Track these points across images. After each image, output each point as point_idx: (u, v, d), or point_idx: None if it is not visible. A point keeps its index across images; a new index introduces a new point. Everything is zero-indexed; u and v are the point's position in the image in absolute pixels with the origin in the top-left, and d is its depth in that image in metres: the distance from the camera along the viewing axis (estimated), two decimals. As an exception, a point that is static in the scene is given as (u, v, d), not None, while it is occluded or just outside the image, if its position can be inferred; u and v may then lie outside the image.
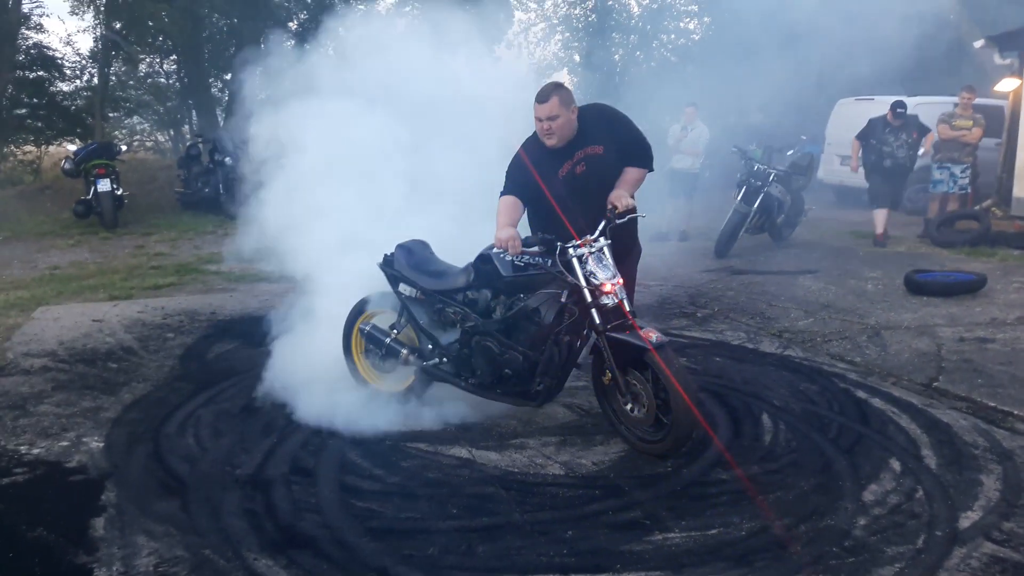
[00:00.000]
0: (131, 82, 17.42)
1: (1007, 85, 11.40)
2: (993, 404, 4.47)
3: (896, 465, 3.73)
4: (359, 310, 4.53)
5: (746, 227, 9.25)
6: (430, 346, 4.22)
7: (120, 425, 4.15)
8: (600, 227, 3.81)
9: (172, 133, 18.83)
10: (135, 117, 18.20)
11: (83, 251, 9.68)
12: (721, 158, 10.51)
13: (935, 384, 4.84)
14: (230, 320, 6.36)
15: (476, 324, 3.98)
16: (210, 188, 12.23)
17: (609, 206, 3.92)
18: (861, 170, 10.02)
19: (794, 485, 3.55)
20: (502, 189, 4.11)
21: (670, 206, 10.45)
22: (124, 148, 14.06)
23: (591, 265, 3.65)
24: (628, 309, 3.74)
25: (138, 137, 18.26)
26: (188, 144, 14.02)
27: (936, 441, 4.01)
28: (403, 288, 4.29)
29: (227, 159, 12.03)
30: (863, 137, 9.79)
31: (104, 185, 10.75)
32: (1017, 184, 9.44)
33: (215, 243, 10.31)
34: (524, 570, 2.86)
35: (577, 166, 4.05)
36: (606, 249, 3.74)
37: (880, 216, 9.77)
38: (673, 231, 10.43)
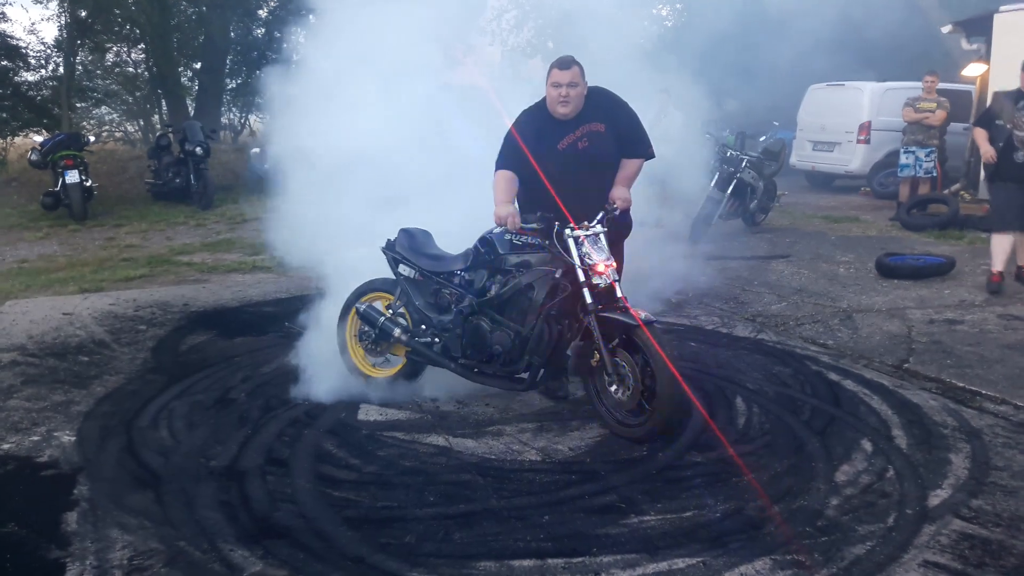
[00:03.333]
0: (98, 71, 17.12)
1: (974, 70, 11.56)
2: (962, 384, 4.55)
3: (868, 446, 3.79)
4: (360, 292, 4.58)
5: (720, 213, 9.29)
6: (424, 327, 4.26)
7: (92, 419, 4.10)
8: (598, 217, 3.94)
9: (141, 123, 18.55)
10: (103, 107, 17.91)
11: (52, 244, 9.52)
12: (694, 144, 10.54)
13: (905, 366, 4.91)
14: (203, 312, 6.29)
15: (471, 303, 4.02)
16: (181, 179, 12.07)
17: (611, 202, 4.06)
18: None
19: (768, 467, 3.59)
20: (497, 161, 4.12)
21: (643, 193, 10.46)
22: (92, 139, 13.83)
23: (587, 247, 3.75)
24: (619, 292, 3.80)
25: (106, 128, 17.96)
26: (158, 134, 13.81)
27: (906, 421, 4.08)
28: (403, 269, 4.36)
29: (198, 149, 11.87)
30: (985, 123, 6.80)
31: (72, 176, 10.57)
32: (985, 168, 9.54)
33: (187, 234, 10.19)
34: (501, 555, 2.87)
35: (580, 140, 4.12)
36: (602, 235, 3.82)
37: (1002, 245, 6.52)
38: (648, 217, 10.44)
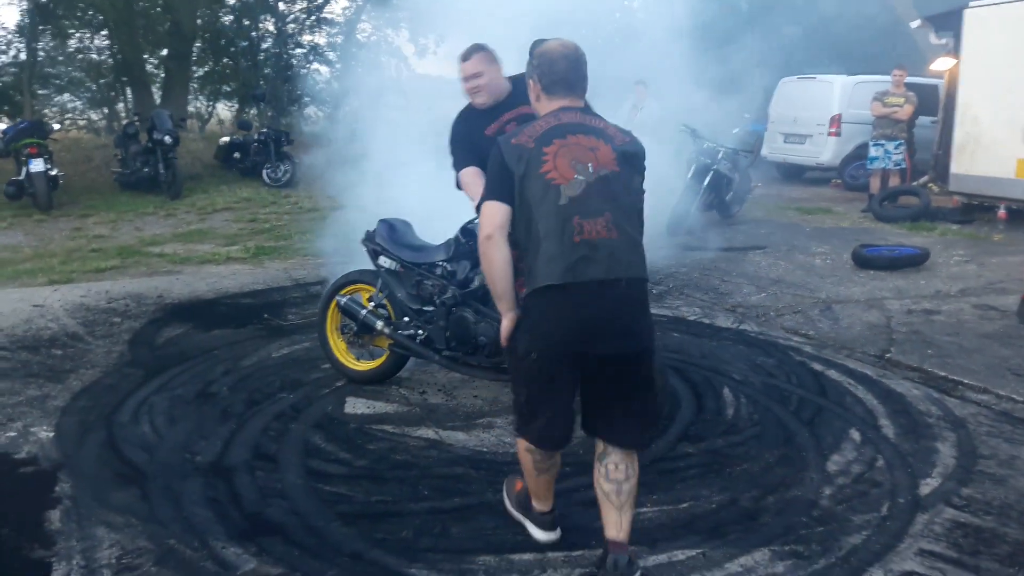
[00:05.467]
0: (60, 58, 16.69)
1: (942, 64, 11.72)
2: (944, 374, 4.60)
3: (856, 435, 3.82)
4: (339, 285, 4.48)
5: (696, 204, 9.32)
6: (406, 319, 4.19)
7: (70, 414, 3.99)
8: None
9: (106, 111, 18.14)
10: (65, 95, 17.49)
11: (17, 234, 9.26)
12: (668, 136, 10.56)
13: (887, 355, 4.97)
14: (178, 304, 6.16)
15: (454, 295, 3.95)
16: (149, 168, 11.80)
17: None
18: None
19: (759, 457, 3.60)
20: (456, 164, 4.02)
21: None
22: (57, 127, 13.47)
23: None
24: None
25: (70, 115, 17.52)
26: (125, 123, 13.50)
27: (892, 411, 4.12)
28: (383, 261, 4.26)
29: (166, 138, 11.61)
30: None
31: (37, 165, 10.28)
32: (954, 161, 9.71)
33: (157, 224, 9.98)
34: (499, 549, 2.84)
35: (507, 125, 4.01)
36: None
37: None
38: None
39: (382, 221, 4.39)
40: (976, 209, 9.63)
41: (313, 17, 17.36)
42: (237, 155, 13.86)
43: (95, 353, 4.95)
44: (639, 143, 2.61)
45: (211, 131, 19.11)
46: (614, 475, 2.59)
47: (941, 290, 6.44)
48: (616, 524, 2.57)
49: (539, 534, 2.85)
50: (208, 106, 19.65)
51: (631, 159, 2.54)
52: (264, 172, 13.21)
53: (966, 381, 4.49)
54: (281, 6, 16.92)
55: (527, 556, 2.79)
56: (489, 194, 2.52)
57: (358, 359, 4.52)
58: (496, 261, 2.47)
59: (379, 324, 4.24)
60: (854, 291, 6.49)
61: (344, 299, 4.39)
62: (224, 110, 20.17)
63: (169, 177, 11.63)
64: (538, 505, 2.84)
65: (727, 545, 2.87)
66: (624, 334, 2.46)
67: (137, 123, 12.76)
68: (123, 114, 18.97)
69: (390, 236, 4.32)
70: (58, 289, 6.53)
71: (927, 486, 3.31)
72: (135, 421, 3.93)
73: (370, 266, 4.46)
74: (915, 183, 11.23)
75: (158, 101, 16.95)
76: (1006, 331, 5.34)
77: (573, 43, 2.64)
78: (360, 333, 4.37)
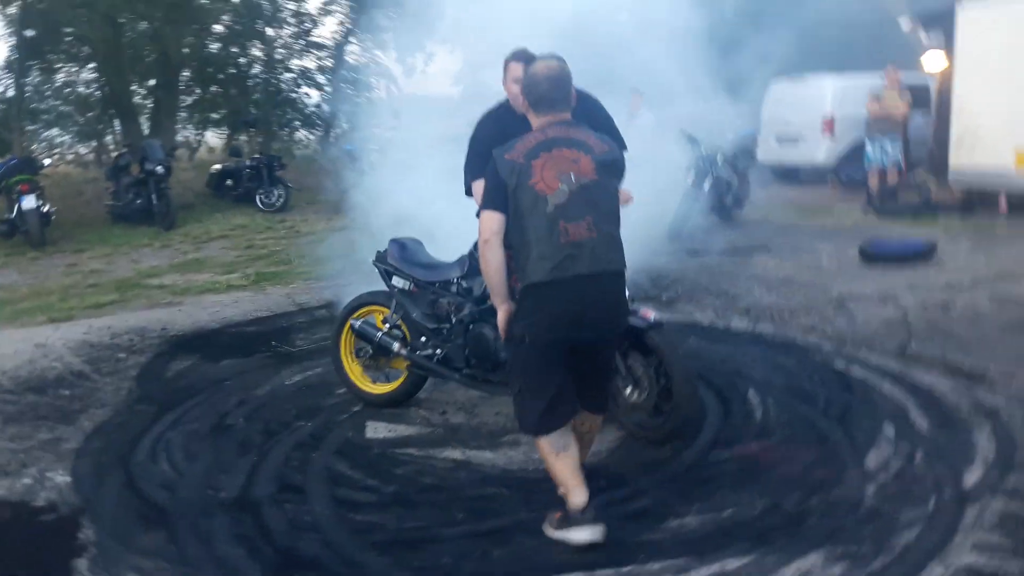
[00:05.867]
0: (48, 93, 16.59)
1: (932, 62, 11.77)
2: (968, 365, 4.54)
3: (890, 431, 3.75)
4: (351, 308, 4.40)
5: (697, 209, 9.29)
6: (423, 338, 4.10)
7: (85, 456, 3.87)
8: None
9: (95, 144, 18.03)
10: (54, 129, 17.37)
11: (12, 273, 9.12)
12: (667, 143, 10.54)
13: (908, 350, 4.91)
14: (183, 336, 6.05)
15: (471, 312, 3.87)
16: (142, 199, 11.69)
17: None
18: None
19: (796, 459, 3.53)
20: (471, 171, 3.91)
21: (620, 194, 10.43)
22: (47, 162, 13.36)
23: None
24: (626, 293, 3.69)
25: (58, 150, 17.40)
26: (116, 154, 13.39)
27: (922, 404, 4.05)
28: (396, 282, 4.18)
29: (158, 168, 11.52)
30: None
31: (29, 202, 10.15)
32: (953, 155, 9.73)
33: (153, 256, 9.87)
34: (546, 570, 2.76)
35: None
36: None
37: None
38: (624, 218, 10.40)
39: (393, 240, 4.32)
40: (976, 201, 9.63)
41: (302, 41, 17.35)
42: (230, 182, 13.76)
43: (103, 391, 4.84)
44: (617, 151, 2.99)
45: (201, 159, 19.03)
46: (580, 429, 3.08)
47: (952, 282, 6.39)
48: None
49: (580, 535, 2.83)
50: (197, 134, 19.58)
51: (609, 167, 2.90)
52: (258, 198, 13.14)
53: (992, 372, 4.43)
54: (269, 32, 16.89)
55: (576, 576, 2.70)
56: (487, 204, 2.87)
57: (374, 382, 4.43)
58: (492, 262, 2.85)
59: (395, 346, 4.15)
60: (866, 287, 6.44)
61: (358, 322, 4.30)
62: (213, 138, 20.09)
63: (163, 208, 11.53)
64: (571, 499, 2.88)
65: (777, 551, 2.79)
66: (605, 321, 2.90)
67: (128, 155, 12.65)
68: (112, 146, 18.85)
69: (401, 255, 4.24)
70: (59, 327, 6.42)
71: (970, 478, 3.24)
72: (153, 459, 3.82)
73: (381, 286, 4.39)
74: (911, 178, 11.23)
75: (146, 132, 16.88)
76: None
77: (556, 63, 2.95)
78: (376, 356, 4.28)
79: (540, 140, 2.84)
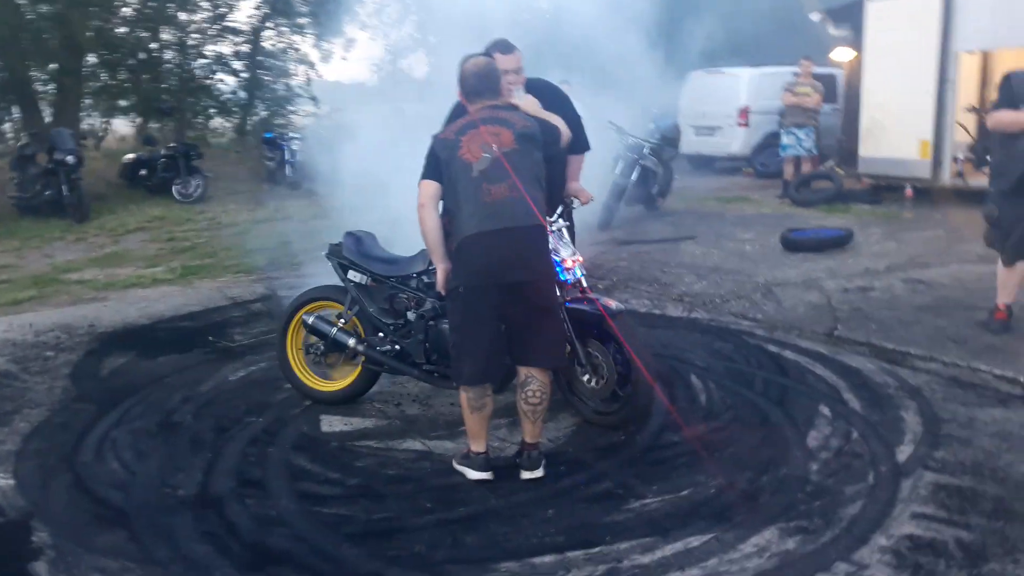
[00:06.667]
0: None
1: (841, 54, 12.34)
2: (891, 346, 4.85)
3: (826, 411, 3.98)
4: (300, 303, 4.32)
5: (624, 199, 9.51)
6: (380, 335, 4.07)
7: (25, 458, 3.72)
8: (559, 211, 3.87)
9: (-8, 133, 17.03)
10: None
11: (-89, 269, 8.59)
12: (594, 133, 10.71)
13: (835, 333, 5.20)
14: (113, 332, 5.84)
15: (433, 306, 3.87)
16: (51, 190, 11.12)
17: (569, 199, 4.02)
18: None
19: (742, 440, 3.71)
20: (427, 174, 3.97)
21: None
22: (-59, 152, 12.57)
23: (552, 242, 3.63)
24: (584, 285, 3.79)
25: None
26: (20, 144, 12.68)
27: (852, 385, 4.32)
28: (352, 276, 4.12)
29: (68, 158, 10.98)
30: (1011, 106, 4.68)
31: (-75, 195, 9.57)
32: (862, 145, 10.24)
33: (67, 250, 9.43)
34: (518, 554, 2.83)
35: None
36: (564, 229, 3.78)
37: (1012, 278, 4.97)
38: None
39: (348, 234, 4.27)
40: (884, 189, 10.18)
41: (217, 26, 16.74)
42: (143, 172, 13.23)
43: (35, 391, 4.64)
44: (536, 127, 3.40)
45: (108, 148, 18.22)
46: (532, 400, 3.34)
47: (869, 268, 6.77)
48: (531, 432, 3.39)
49: (474, 474, 3.37)
50: (104, 122, 18.69)
51: (529, 138, 3.35)
52: (174, 188, 12.68)
53: (913, 352, 4.75)
54: (182, 16, 16.23)
55: (548, 558, 2.79)
56: (425, 174, 3.36)
57: (322, 379, 4.37)
58: (429, 222, 3.35)
59: (351, 341, 4.11)
60: (789, 273, 6.75)
61: (311, 317, 4.22)
62: (122, 126, 19.21)
63: (74, 199, 11.00)
64: (475, 446, 3.40)
65: (736, 527, 2.94)
66: (525, 267, 3.25)
67: (33, 144, 12.00)
68: (10, 134, 17.83)
69: (358, 249, 4.20)
70: (-25, 325, 6.10)
71: (903, 453, 3.49)
72: (100, 459, 3.71)
73: (316, 281, 4.34)
74: (822, 167, 11.76)
75: (48, 120, 16.02)
76: (937, 303, 5.67)
77: (483, 59, 3.51)
78: (328, 351, 4.22)
79: (469, 120, 3.36)
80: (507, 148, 3.27)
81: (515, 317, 3.29)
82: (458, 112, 3.99)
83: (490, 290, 3.23)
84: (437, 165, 3.34)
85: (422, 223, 3.37)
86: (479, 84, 3.41)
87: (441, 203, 3.43)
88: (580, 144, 4.25)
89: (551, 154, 3.56)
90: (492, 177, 3.23)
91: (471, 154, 3.26)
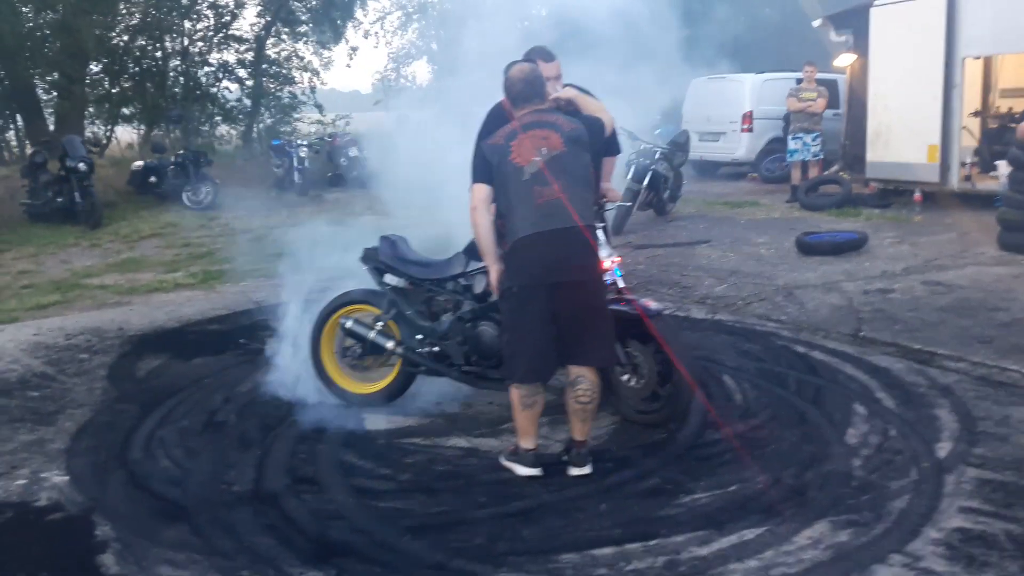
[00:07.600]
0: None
1: (844, 60, 12.46)
2: (918, 346, 4.93)
3: (861, 409, 4.05)
4: (336, 306, 4.36)
5: (637, 204, 9.60)
6: (419, 336, 4.12)
7: (76, 455, 3.78)
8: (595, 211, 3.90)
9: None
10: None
11: (-70, 276, 8.61)
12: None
13: (861, 334, 5.27)
14: (144, 335, 5.89)
15: (472, 308, 3.93)
16: (64, 197, 11.18)
17: (604, 198, 4.07)
18: None
19: (783, 437, 3.78)
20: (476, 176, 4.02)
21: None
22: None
23: None
24: (622, 285, 3.85)
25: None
26: (31, 151, 12.71)
27: (884, 384, 4.39)
28: (389, 279, 4.17)
29: (80, 165, 11.03)
30: None
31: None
32: (869, 150, 10.35)
33: (84, 256, 9.47)
34: (577, 546, 2.88)
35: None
36: (600, 231, 3.82)
37: None
38: None
39: (383, 238, 4.32)
40: (892, 193, 10.28)
41: (221, 34, 16.82)
42: (153, 179, 13.28)
43: (76, 392, 4.69)
44: (583, 129, 3.45)
45: (112, 155, 18.25)
46: (582, 399, 3.42)
47: (886, 270, 6.86)
48: (580, 430, 3.46)
49: (523, 470, 3.43)
50: (107, 130, 18.72)
51: (577, 140, 3.42)
52: (185, 195, 12.73)
53: (940, 352, 4.82)
54: (186, 24, 16.32)
55: (607, 550, 2.85)
56: (475, 178, 3.48)
57: (359, 382, 4.42)
58: (481, 225, 3.45)
59: (390, 344, 4.16)
60: (808, 276, 6.83)
61: (349, 320, 4.26)
62: (125, 133, 19.23)
63: (87, 206, 11.06)
64: (524, 443, 3.47)
65: (788, 521, 3.01)
66: (577, 267, 3.35)
67: (44, 152, 12.04)
68: (13, 143, 17.86)
69: (394, 253, 4.25)
70: (3, 330, 6.14)
71: (942, 449, 3.56)
72: (150, 457, 3.77)
73: (339, 284, 4.38)
74: (827, 172, 11.87)
75: (52, 128, 16.07)
76: (958, 304, 5.75)
77: (528, 65, 3.57)
78: (366, 355, 4.27)
79: (517, 126, 3.43)
80: (556, 151, 3.36)
81: (566, 316, 3.34)
82: (495, 117, 4.08)
83: (543, 290, 3.30)
84: (488, 169, 3.43)
85: (475, 225, 3.46)
86: (526, 89, 3.49)
87: (493, 205, 3.50)
88: (613, 147, 4.33)
89: (598, 149, 3.68)
90: (543, 180, 3.32)
91: (521, 158, 3.34)
